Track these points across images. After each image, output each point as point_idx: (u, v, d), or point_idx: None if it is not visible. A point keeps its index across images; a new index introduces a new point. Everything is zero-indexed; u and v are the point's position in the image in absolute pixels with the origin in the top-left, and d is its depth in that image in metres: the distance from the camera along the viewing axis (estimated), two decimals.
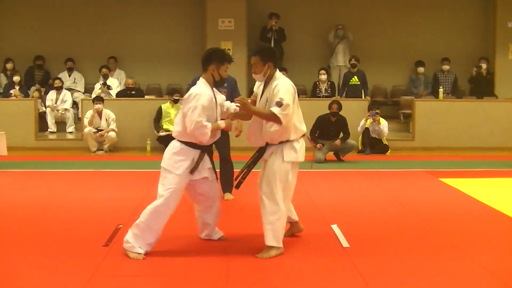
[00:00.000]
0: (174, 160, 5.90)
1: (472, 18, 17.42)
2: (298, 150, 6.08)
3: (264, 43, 6.29)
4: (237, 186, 6.30)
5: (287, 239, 6.39)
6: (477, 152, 13.86)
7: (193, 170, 5.89)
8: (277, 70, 6.15)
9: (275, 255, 5.83)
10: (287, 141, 6.02)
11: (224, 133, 8.35)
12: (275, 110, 5.80)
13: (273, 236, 5.86)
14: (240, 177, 6.23)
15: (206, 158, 6.04)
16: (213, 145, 8.32)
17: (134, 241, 5.83)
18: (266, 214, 5.90)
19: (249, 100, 6.13)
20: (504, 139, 13.98)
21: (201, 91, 5.83)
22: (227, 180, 8.54)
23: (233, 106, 6.19)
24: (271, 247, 5.86)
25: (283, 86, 5.94)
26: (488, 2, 17.23)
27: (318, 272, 5.47)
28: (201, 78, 6.04)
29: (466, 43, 17.31)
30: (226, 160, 8.49)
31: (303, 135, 6.17)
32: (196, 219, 6.45)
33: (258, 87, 6.28)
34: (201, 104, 5.74)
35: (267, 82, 6.09)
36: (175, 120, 6.09)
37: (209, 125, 5.78)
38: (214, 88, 6.04)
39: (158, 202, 5.92)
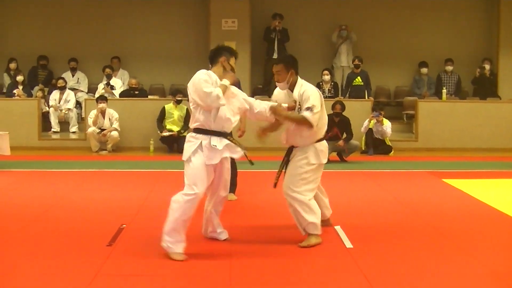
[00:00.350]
0: (186, 150, 6.03)
1: (475, 19, 17.41)
2: (321, 152, 6.47)
3: (286, 54, 6.63)
4: (275, 185, 6.63)
5: (288, 239, 6.40)
6: (480, 153, 13.85)
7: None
8: (298, 76, 6.42)
9: (315, 244, 6.17)
10: (312, 144, 6.41)
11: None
12: (307, 114, 6.15)
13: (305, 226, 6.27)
14: (276, 179, 6.66)
15: (222, 139, 6.05)
16: None
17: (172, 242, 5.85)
18: (300, 214, 6.25)
19: (288, 106, 6.38)
20: (507, 140, 13.98)
21: (198, 72, 6.02)
22: (231, 180, 8.53)
23: (262, 105, 6.37)
24: (311, 235, 6.24)
25: (312, 92, 6.26)
26: (491, 3, 17.21)
27: (322, 272, 5.47)
28: (209, 71, 6.11)
29: (469, 44, 17.30)
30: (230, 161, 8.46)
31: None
32: (203, 216, 6.42)
33: (278, 94, 6.59)
34: (199, 78, 5.91)
35: (291, 89, 6.39)
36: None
37: (218, 89, 5.88)
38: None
39: (181, 192, 6.00)
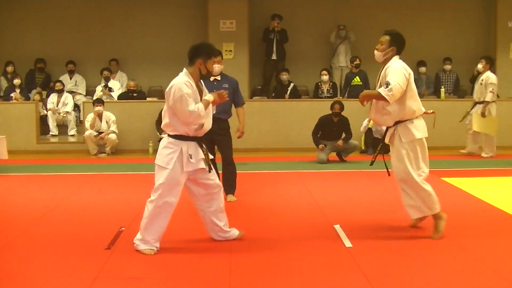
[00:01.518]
0: (164, 155, 5.97)
1: (473, 18, 17.40)
2: (414, 128, 6.57)
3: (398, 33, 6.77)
4: (372, 164, 6.88)
5: (288, 238, 6.39)
6: (479, 151, 13.83)
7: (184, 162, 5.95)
8: (397, 56, 6.74)
9: (443, 225, 6.46)
10: (402, 121, 6.53)
11: (226, 135, 8.39)
12: (381, 90, 6.36)
13: (429, 207, 6.50)
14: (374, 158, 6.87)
15: (198, 148, 6.07)
16: (216, 147, 8.39)
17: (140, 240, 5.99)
18: (412, 196, 6.57)
19: None
20: (506, 138, 13.95)
21: (179, 80, 5.95)
22: (231, 182, 8.56)
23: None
24: (436, 217, 6.49)
25: (394, 68, 6.47)
26: (489, 2, 17.21)
27: (321, 272, 5.46)
28: (184, 70, 6.11)
29: (467, 43, 17.30)
30: (229, 162, 8.49)
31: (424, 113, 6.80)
32: (202, 221, 6.41)
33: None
34: (185, 93, 5.84)
35: (384, 64, 6.67)
36: (162, 112, 6.14)
37: (200, 105, 5.89)
38: (201, 81, 6.24)
39: (153, 198, 6.01)
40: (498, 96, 14.05)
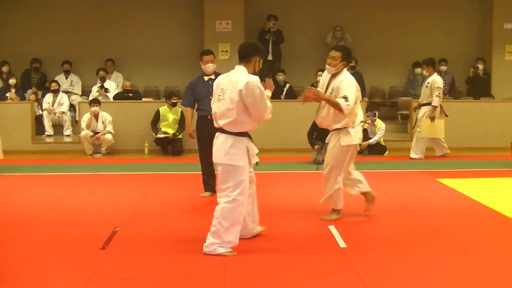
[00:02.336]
0: (234, 153, 5.98)
1: (469, 19, 17.43)
2: (354, 134, 7.24)
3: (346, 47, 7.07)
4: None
5: (283, 239, 6.40)
6: (474, 152, 13.86)
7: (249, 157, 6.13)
8: (345, 68, 7.37)
9: (335, 219, 7.24)
10: (345, 128, 7.21)
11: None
12: (342, 102, 6.97)
13: (335, 203, 7.33)
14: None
15: (252, 143, 6.23)
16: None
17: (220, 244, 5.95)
18: (331, 184, 7.30)
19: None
20: (501, 139, 13.96)
21: (251, 78, 5.98)
22: None
23: None
24: (334, 210, 7.35)
25: (349, 82, 7.15)
26: (484, 4, 17.24)
27: (315, 272, 5.47)
28: (242, 67, 6.09)
29: (463, 44, 17.32)
30: None
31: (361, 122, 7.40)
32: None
33: (324, 76, 7.52)
34: (260, 90, 5.96)
35: (335, 75, 7.27)
36: (219, 110, 6.03)
37: (270, 103, 6.16)
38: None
39: (233, 197, 5.96)
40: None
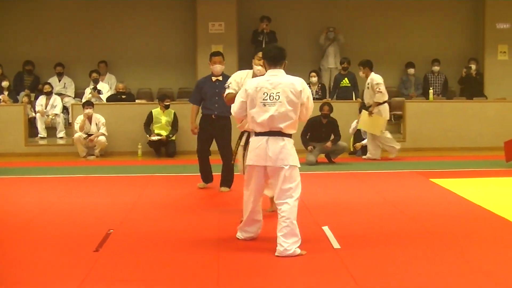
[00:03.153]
0: (295, 155, 6.16)
1: (461, 19, 17.47)
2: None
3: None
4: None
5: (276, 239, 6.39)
6: (467, 152, 13.90)
7: None
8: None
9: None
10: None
11: (228, 132, 9.18)
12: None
13: None
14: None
15: None
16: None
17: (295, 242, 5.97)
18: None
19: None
20: (494, 139, 13.99)
21: (300, 79, 6.23)
22: (228, 176, 9.22)
23: None
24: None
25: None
26: (477, 4, 17.28)
27: (309, 273, 5.47)
28: (280, 70, 6.21)
29: (456, 44, 17.37)
30: (228, 158, 8.60)
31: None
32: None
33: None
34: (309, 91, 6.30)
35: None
36: (279, 113, 6.04)
37: None
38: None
39: (298, 195, 6.12)
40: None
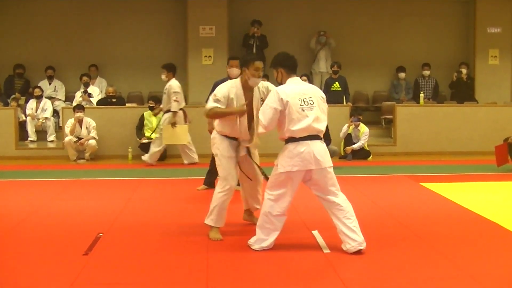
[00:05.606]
0: None
1: (452, 24, 17.54)
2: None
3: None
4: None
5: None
6: (458, 156, 13.94)
7: None
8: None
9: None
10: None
11: None
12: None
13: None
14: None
15: None
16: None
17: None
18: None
19: None
20: (484, 143, 14.04)
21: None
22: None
23: None
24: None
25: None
26: (468, 8, 17.35)
27: (299, 277, 5.46)
28: (298, 78, 6.38)
29: (446, 48, 17.44)
30: None
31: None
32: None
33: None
34: None
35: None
36: (319, 117, 6.24)
37: None
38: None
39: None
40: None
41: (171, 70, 12.70)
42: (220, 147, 6.83)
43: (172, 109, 12.45)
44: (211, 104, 6.68)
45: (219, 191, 6.78)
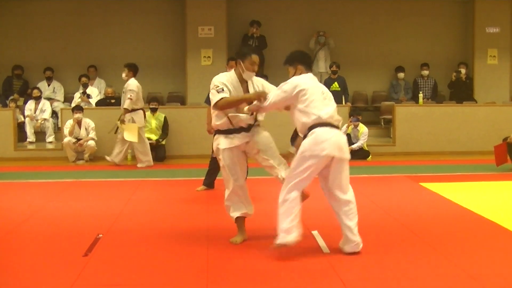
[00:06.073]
0: None
1: (451, 24, 17.54)
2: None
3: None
4: None
5: (266, 244, 6.37)
6: (457, 156, 13.94)
7: None
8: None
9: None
10: None
11: None
12: None
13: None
14: None
15: None
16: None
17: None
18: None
19: None
20: (483, 143, 14.05)
21: None
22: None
23: None
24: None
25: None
26: (467, 8, 17.35)
27: (299, 277, 5.46)
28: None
29: (445, 48, 17.44)
30: None
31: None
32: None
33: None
34: None
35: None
36: (334, 108, 6.24)
37: None
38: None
39: None
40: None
41: (132, 69, 12.70)
42: (224, 157, 6.57)
43: (124, 106, 12.46)
44: (217, 95, 6.41)
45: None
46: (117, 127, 12.75)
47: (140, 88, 12.67)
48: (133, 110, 12.50)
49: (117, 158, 12.78)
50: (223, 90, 6.44)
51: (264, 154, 6.55)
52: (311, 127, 6.07)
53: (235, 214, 6.66)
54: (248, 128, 6.53)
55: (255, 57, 6.63)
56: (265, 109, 6.36)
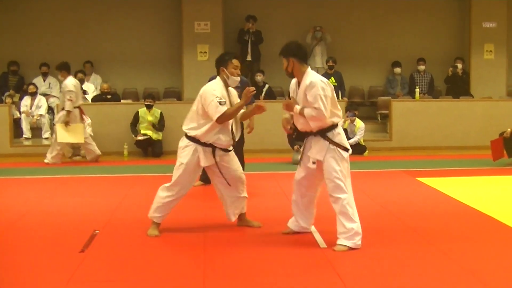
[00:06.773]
0: None
1: (447, 18, 17.54)
2: None
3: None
4: None
5: (264, 239, 6.37)
6: (454, 151, 13.95)
7: None
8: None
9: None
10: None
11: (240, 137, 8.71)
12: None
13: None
14: None
15: None
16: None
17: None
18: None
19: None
20: (480, 138, 14.05)
21: None
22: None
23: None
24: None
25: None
26: (463, 3, 17.35)
27: (296, 272, 5.45)
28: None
29: (442, 43, 17.43)
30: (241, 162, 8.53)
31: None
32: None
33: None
34: None
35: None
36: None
37: None
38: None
39: None
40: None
41: (64, 68, 12.52)
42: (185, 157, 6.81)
43: (65, 108, 12.34)
44: (221, 108, 6.33)
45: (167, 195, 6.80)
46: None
47: (78, 86, 12.62)
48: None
49: (54, 159, 12.62)
50: (225, 103, 6.43)
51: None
52: (329, 128, 6.27)
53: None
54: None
55: (235, 61, 6.59)
56: (326, 117, 6.21)
